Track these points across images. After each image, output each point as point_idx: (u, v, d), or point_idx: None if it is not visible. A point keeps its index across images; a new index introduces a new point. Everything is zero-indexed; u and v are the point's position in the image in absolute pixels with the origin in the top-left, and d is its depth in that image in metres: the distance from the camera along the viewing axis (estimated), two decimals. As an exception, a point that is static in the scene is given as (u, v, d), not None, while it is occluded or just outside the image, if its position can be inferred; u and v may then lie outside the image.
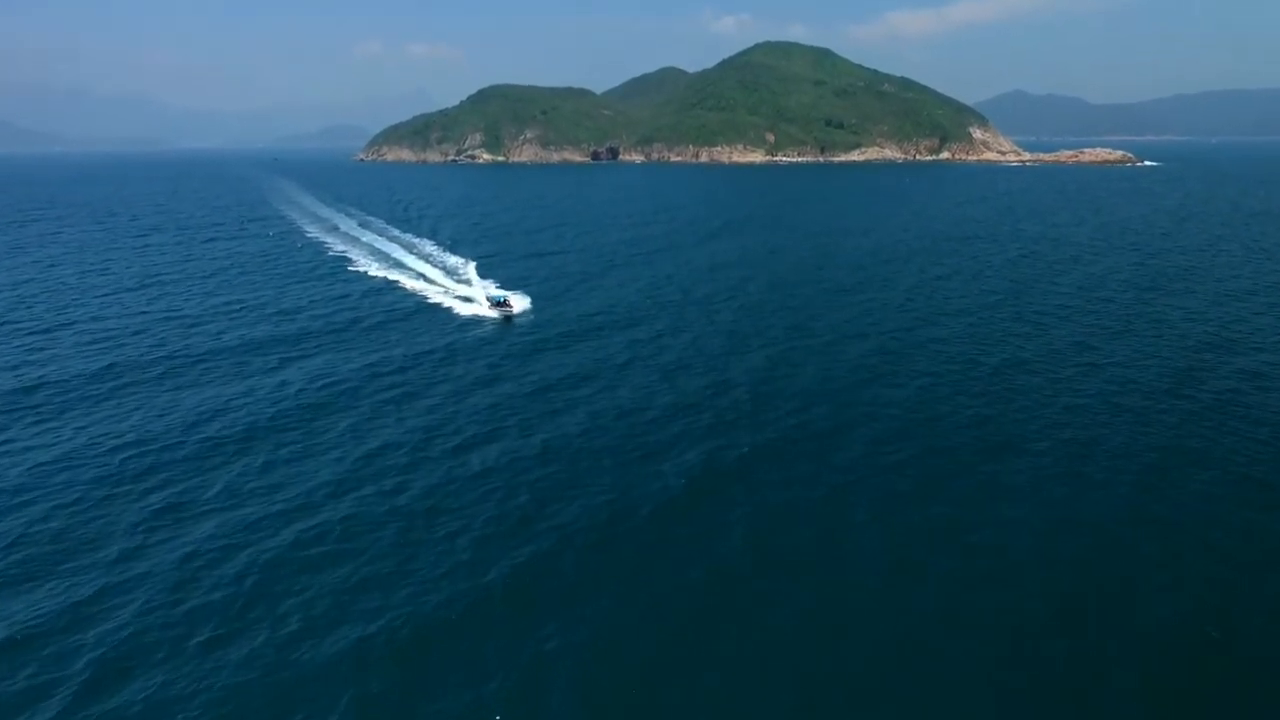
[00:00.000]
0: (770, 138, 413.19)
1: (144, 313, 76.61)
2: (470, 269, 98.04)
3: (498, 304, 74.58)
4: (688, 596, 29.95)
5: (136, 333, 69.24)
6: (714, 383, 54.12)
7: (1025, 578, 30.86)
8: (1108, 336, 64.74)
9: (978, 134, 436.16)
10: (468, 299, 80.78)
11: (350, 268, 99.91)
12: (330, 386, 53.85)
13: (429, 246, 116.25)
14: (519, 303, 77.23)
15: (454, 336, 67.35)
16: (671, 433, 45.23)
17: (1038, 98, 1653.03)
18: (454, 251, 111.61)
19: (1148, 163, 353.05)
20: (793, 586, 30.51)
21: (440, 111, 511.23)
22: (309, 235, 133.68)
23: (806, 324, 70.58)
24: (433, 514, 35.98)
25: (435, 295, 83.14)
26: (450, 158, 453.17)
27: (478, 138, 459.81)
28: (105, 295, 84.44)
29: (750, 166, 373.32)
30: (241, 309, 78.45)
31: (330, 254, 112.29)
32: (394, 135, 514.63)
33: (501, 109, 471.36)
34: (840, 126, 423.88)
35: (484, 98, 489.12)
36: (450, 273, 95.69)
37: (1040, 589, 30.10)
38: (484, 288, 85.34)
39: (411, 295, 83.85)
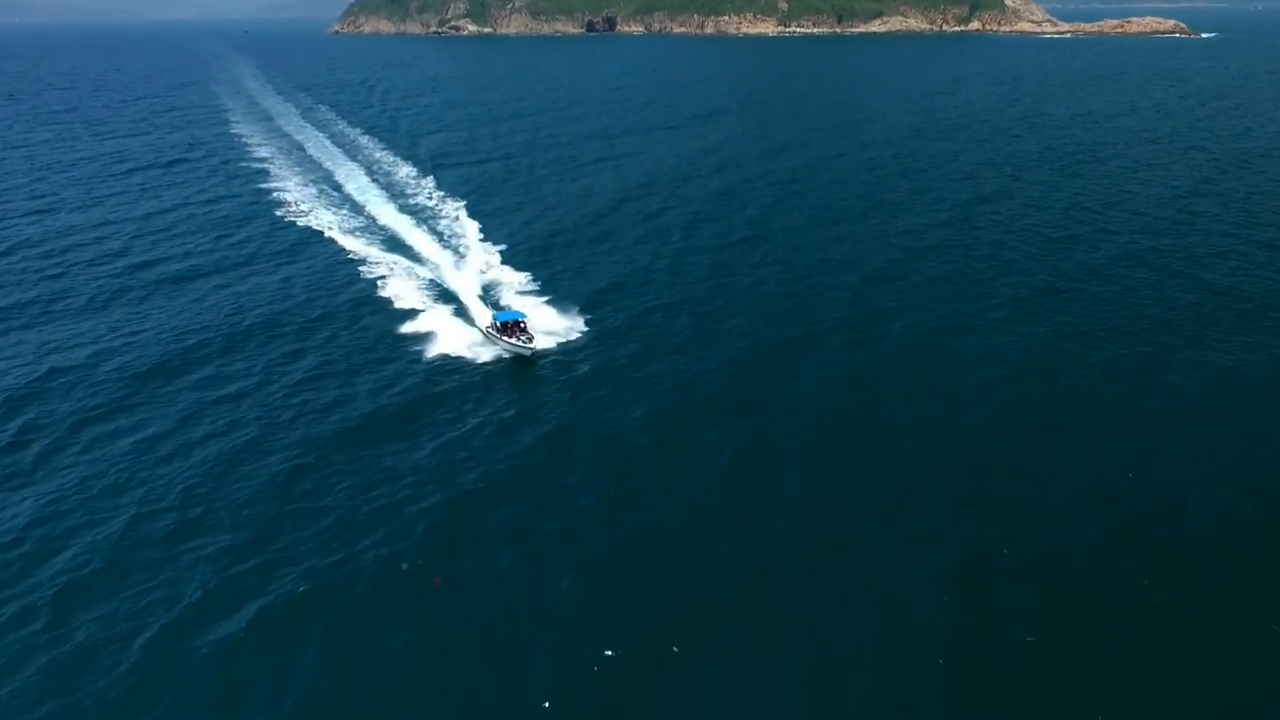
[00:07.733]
0: (783, 5, 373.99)
1: (-74, 257, 56.29)
2: (457, 210, 66.72)
3: (508, 325, 40.75)
4: None
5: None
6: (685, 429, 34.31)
7: None
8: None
9: (1010, 0, 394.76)
10: (422, 261, 54.10)
11: (257, 185, 77.60)
12: (83, 430, 34.16)
13: (378, 151, 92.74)
14: (541, 331, 42.22)
15: (331, 302, 46.99)
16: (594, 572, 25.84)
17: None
18: (406, 156, 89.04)
19: (1204, 35, 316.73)
20: None
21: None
22: (232, 131, 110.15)
23: (825, 289, 49.83)
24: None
25: (345, 233, 61.90)
26: (432, 29, 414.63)
27: (461, 6, 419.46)
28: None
29: (761, 39, 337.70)
30: (65, 249, 58.13)
31: (241, 160, 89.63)
32: (371, 3, 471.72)
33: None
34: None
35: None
36: (396, 195, 71.39)
37: None
38: (485, 284, 50.05)
39: (304, 230, 62.91)
